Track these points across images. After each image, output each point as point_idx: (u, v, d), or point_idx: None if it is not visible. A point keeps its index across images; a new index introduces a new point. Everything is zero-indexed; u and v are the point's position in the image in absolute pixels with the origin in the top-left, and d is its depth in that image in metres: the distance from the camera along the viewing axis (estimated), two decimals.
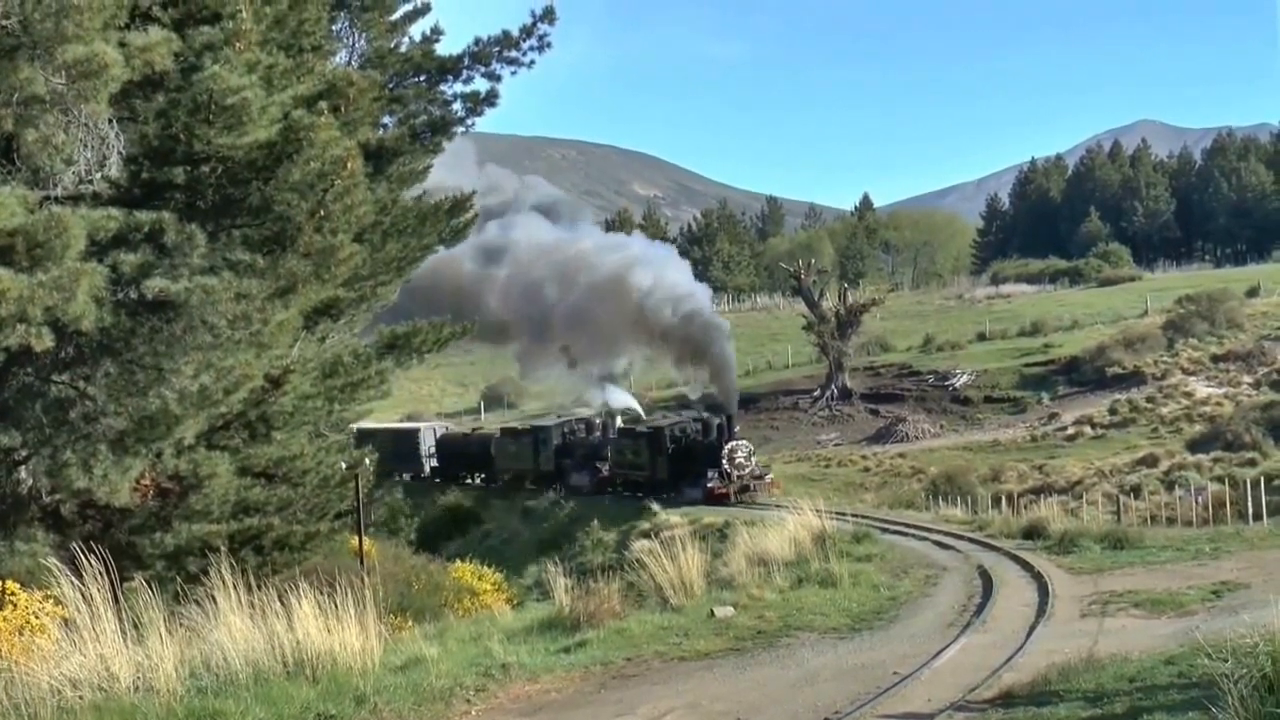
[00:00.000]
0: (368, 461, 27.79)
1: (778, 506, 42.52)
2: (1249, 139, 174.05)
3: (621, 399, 78.27)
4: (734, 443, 57.38)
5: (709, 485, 55.65)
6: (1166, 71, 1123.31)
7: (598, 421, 71.05)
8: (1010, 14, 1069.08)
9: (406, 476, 77.04)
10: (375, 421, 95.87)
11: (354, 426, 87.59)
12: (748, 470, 56.97)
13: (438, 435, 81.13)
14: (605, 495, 62.84)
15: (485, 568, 34.19)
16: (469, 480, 75.85)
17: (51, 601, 15.26)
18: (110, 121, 15.62)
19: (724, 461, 56.33)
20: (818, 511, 28.89)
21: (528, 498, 67.26)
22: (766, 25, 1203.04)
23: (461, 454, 77.02)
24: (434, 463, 79.08)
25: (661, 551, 21.95)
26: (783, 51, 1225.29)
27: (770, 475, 58.80)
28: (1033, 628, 18.46)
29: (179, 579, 18.93)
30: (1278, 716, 9.57)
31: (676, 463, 59.65)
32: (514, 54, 26.82)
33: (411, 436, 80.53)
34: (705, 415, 64.55)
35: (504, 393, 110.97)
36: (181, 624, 14.94)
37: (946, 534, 34.80)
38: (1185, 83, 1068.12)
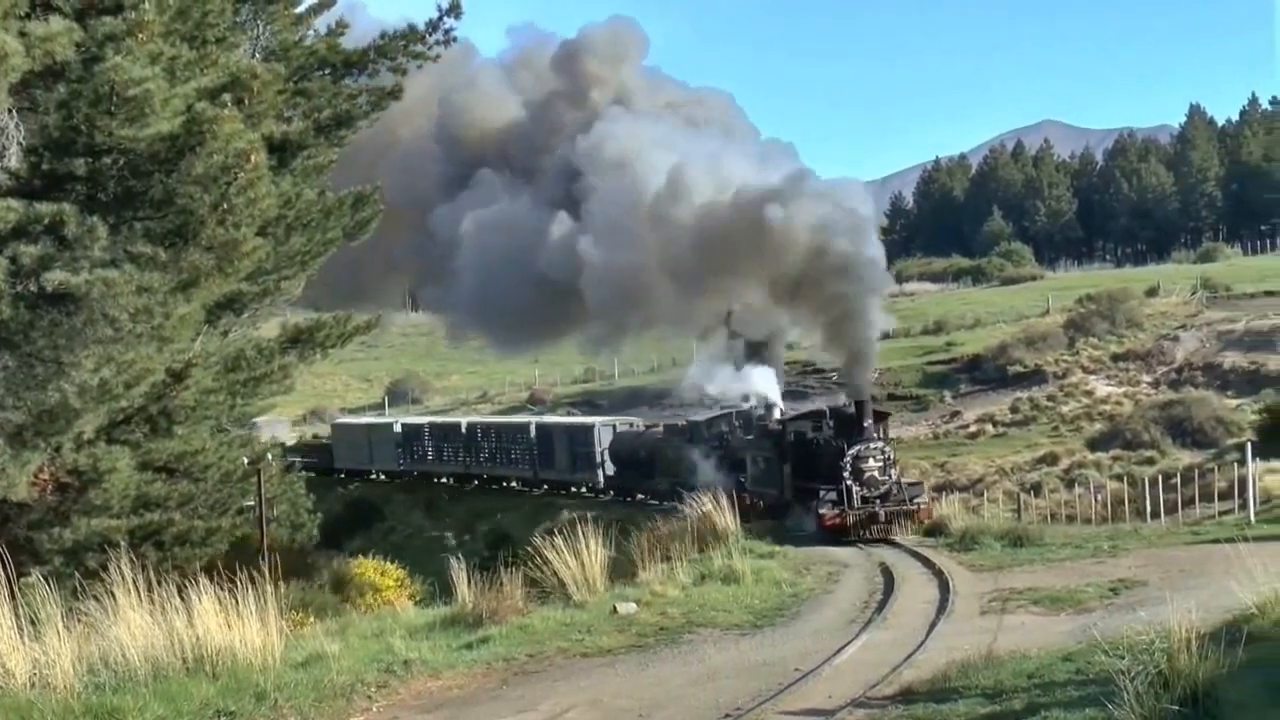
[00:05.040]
0: (270, 456, 27.58)
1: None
2: (1149, 140, 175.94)
3: (767, 385, 50.07)
4: (859, 446, 35.93)
5: (820, 511, 34.62)
6: (1069, 72, 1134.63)
7: (755, 416, 47.27)
8: (914, 13, 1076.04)
9: (582, 489, 60.64)
10: (558, 416, 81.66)
11: (532, 422, 70.44)
12: (884, 488, 35.47)
13: (615, 433, 59.15)
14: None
15: (389, 563, 33.94)
16: (639, 497, 55.50)
17: None
18: (10, 112, 15.48)
19: (845, 474, 35.29)
20: (722, 509, 29.06)
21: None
22: (678, 17, 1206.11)
23: (633, 460, 55.70)
24: (608, 470, 58.19)
25: (565, 546, 21.93)
26: (693, 43, 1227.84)
27: (923, 499, 36.58)
28: (933, 625, 18.65)
29: (78, 575, 18.73)
30: (1173, 713, 9.72)
31: (799, 474, 38.97)
32: (419, 48, 26.74)
33: (585, 435, 60.44)
34: (838, 404, 44.71)
35: (408, 388, 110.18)
36: (80, 620, 14.82)
37: None
38: (1087, 84, 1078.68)
